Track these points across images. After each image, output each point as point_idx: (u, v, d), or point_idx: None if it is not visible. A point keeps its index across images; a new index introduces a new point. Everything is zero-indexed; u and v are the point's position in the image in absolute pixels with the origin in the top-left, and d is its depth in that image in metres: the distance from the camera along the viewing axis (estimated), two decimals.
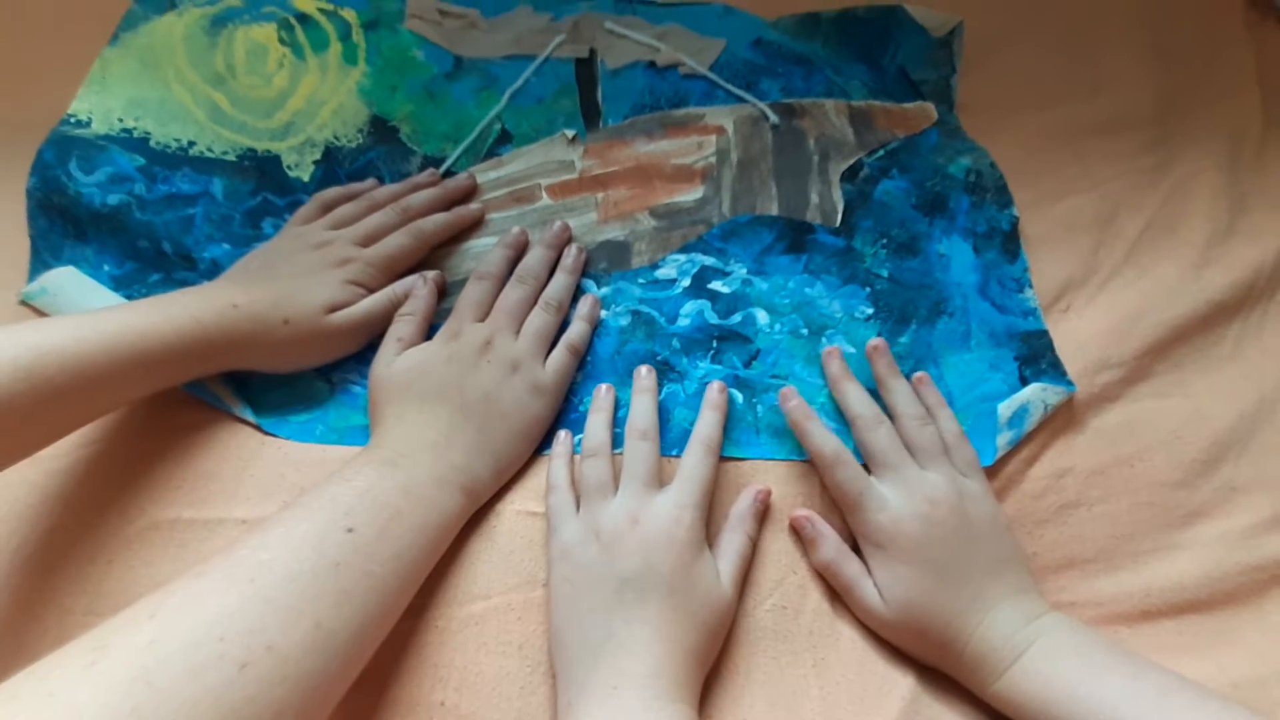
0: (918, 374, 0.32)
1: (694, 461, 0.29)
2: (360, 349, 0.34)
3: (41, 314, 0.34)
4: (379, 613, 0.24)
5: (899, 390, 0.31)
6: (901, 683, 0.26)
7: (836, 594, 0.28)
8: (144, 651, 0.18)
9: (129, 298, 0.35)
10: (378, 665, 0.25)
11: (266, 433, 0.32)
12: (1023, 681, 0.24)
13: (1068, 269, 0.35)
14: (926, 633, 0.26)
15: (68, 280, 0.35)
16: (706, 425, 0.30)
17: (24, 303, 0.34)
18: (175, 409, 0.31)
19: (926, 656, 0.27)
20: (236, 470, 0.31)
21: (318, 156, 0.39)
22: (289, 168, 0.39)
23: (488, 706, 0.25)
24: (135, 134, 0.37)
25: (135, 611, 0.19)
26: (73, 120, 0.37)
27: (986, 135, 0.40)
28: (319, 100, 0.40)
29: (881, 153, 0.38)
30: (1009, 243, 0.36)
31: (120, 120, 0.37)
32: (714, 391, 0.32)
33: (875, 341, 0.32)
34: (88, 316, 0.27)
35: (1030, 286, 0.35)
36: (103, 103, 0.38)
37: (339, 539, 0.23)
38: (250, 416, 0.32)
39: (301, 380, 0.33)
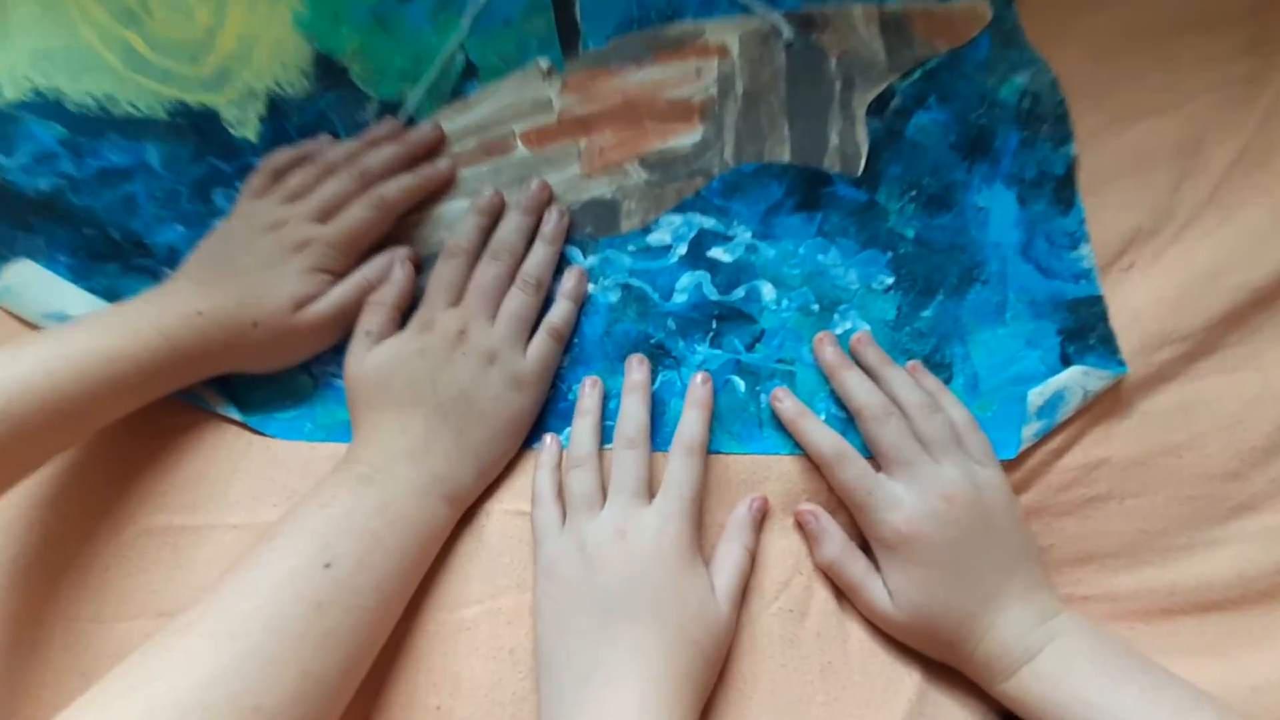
0: (910, 363, 0.29)
1: (678, 468, 0.28)
2: (339, 340, 0.32)
3: (9, 314, 0.33)
4: (365, 644, 0.24)
5: (897, 379, 0.28)
6: (908, 680, 0.26)
7: (843, 592, 0.28)
8: None
9: (92, 290, 0.33)
10: (372, 669, 0.26)
11: (254, 431, 0.32)
12: (1034, 683, 0.24)
13: (1137, 215, 0.30)
14: (937, 633, 0.26)
15: (29, 275, 0.33)
16: (690, 426, 0.29)
17: None
18: (158, 410, 0.30)
19: (936, 654, 0.27)
20: (225, 473, 0.31)
21: (262, 111, 0.35)
22: (230, 125, 0.35)
23: (482, 712, 0.26)
24: (48, 95, 0.33)
25: (127, 674, 0.20)
26: None
27: (1049, 38, 0.32)
28: (251, 38, 0.35)
29: (918, 74, 0.32)
30: (1062, 190, 0.30)
31: (28, 79, 0.33)
32: (698, 386, 0.30)
33: (859, 334, 0.30)
34: (54, 342, 0.26)
35: (1086, 241, 0.30)
36: (7, 60, 0.33)
37: (318, 577, 0.23)
38: (236, 415, 0.32)
39: (284, 375, 0.32)
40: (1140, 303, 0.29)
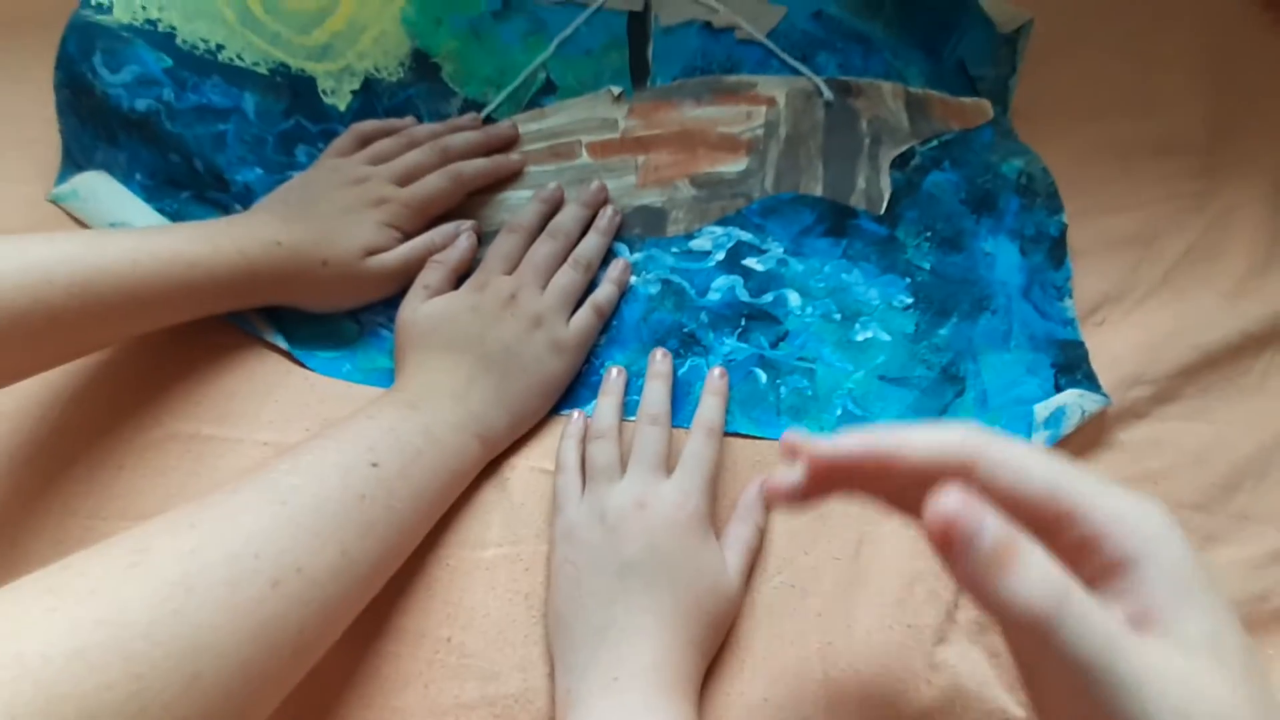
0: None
1: (697, 447, 0.28)
2: (395, 293, 0.33)
3: (70, 216, 0.33)
4: (397, 546, 0.24)
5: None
6: (924, 689, 0.24)
7: (858, 586, 0.26)
8: (186, 558, 0.18)
9: (161, 211, 0.33)
10: (389, 594, 0.25)
11: (296, 361, 0.31)
12: None
13: (1105, 284, 0.34)
14: None
15: (100, 185, 0.33)
16: (708, 410, 0.29)
17: (54, 202, 0.33)
18: (204, 326, 0.30)
19: None
20: (261, 393, 0.30)
21: (356, 86, 0.37)
22: (324, 93, 0.37)
23: (492, 648, 0.25)
24: (160, 27, 0.35)
25: (174, 519, 0.19)
26: (93, 3, 0.34)
27: (1036, 142, 0.38)
28: (360, 24, 0.38)
29: (935, 143, 0.37)
30: (1056, 249, 0.34)
31: (144, 8, 0.34)
32: (714, 378, 0.31)
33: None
34: (140, 238, 0.26)
35: (1070, 296, 0.33)
36: None
37: (364, 473, 0.23)
38: (282, 343, 0.31)
39: (331, 318, 0.32)
40: (1116, 349, 0.31)
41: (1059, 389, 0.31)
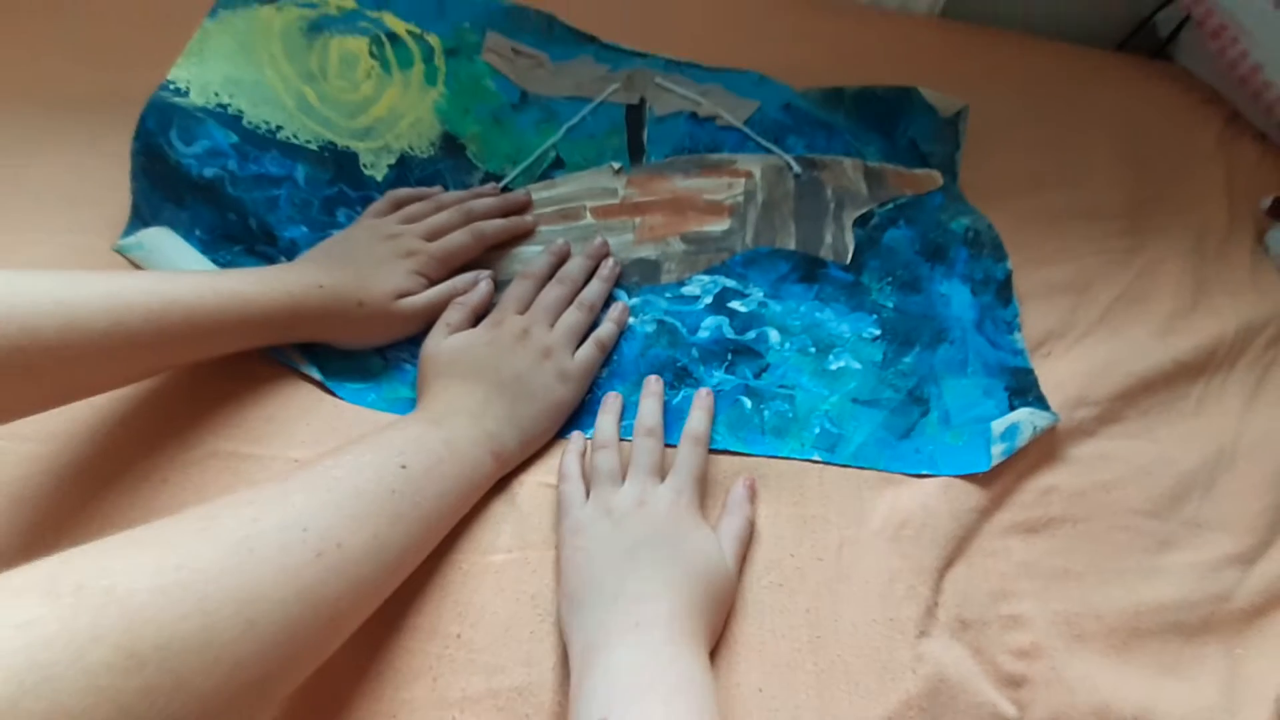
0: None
1: (686, 453, 0.31)
2: (419, 332, 0.36)
3: (134, 265, 0.37)
4: (419, 539, 0.26)
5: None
6: (909, 677, 0.26)
7: (841, 583, 0.28)
8: (247, 524, 0.20)
9: (215, 262, 0.37)
10: (405, 593, 0.26)
11: (327, 390, 0.34)
12: None
13: (1049, 322, 0.38)
14: None
15: (163, 239, 0.37)
16: (695, 422, 0.33)
17: (120, 252, 0.37)
18: (246, 359, 0.33)
19: None
20: (296, 417, 0.33)
21: (392, 161, 0.43)
22: (365, 166, 0.42)
23: (498, 644, 0.26)
24: (229, 110, 0.40)
25: (236, 498, 0.22)
26: (172, 88, 0.39)
27: (981, 210, 0.44)
28: (399, 112, 0.44)
29: (891, 205, 0.42)
30: (1003, 290, 0.39)
31: (216, 95, 0.40)
32: (701, 396, 0.34)
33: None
34: (206, 278, 0.30)
35: (1019, 330, 0.37)
36: (201, 75, 0.40)
37: (395, 471, 0.25)
38: (316, 374, 0.34)
39: (360, 354, 0.36)
40: (1061, 375, 0.35)
41: (1013, 409, 0.34)
